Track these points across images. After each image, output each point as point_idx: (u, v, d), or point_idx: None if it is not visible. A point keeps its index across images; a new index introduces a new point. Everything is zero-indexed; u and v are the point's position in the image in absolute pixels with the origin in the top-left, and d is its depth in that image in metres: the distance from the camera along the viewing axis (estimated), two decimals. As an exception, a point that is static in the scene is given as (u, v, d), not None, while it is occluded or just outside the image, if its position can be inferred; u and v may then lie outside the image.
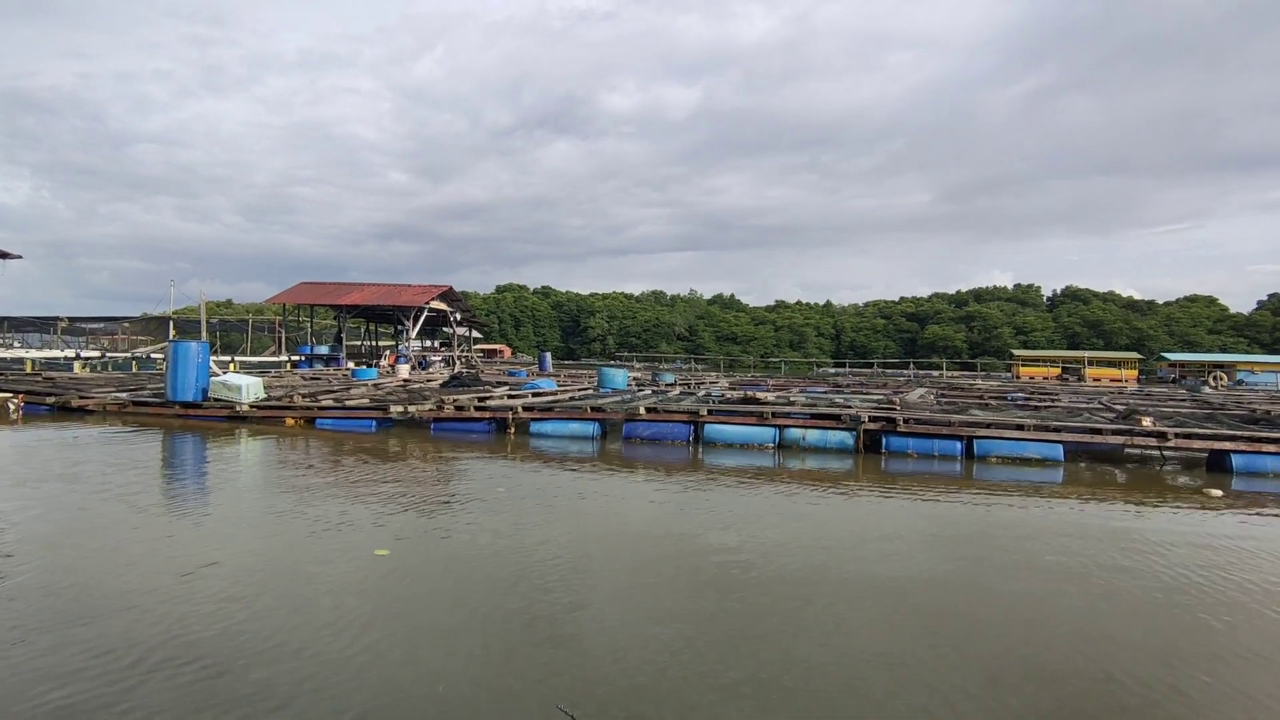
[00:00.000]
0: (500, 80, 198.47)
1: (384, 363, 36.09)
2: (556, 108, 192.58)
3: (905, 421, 14.72)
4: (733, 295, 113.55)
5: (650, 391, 22.36)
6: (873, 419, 14.88)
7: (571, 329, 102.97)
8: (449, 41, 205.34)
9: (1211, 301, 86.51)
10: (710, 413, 15.69)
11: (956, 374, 59.13)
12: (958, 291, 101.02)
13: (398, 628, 5.09)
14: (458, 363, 37.87)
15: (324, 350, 38.73)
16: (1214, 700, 4.32)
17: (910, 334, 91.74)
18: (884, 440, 14.64)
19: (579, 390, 22.17)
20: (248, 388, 17.85)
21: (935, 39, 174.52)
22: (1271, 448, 13.20)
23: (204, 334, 29.37)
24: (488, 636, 4.97)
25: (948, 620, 5.53)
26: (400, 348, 41.12)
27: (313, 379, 26.13)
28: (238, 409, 17.39)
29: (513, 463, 12.98)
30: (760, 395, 18.17)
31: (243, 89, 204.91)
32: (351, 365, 33.58)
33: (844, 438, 14.76)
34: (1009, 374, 58.11)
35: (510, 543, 7.42)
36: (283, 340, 39.06)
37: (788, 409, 16.05)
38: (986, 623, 5.53)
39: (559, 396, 19.37)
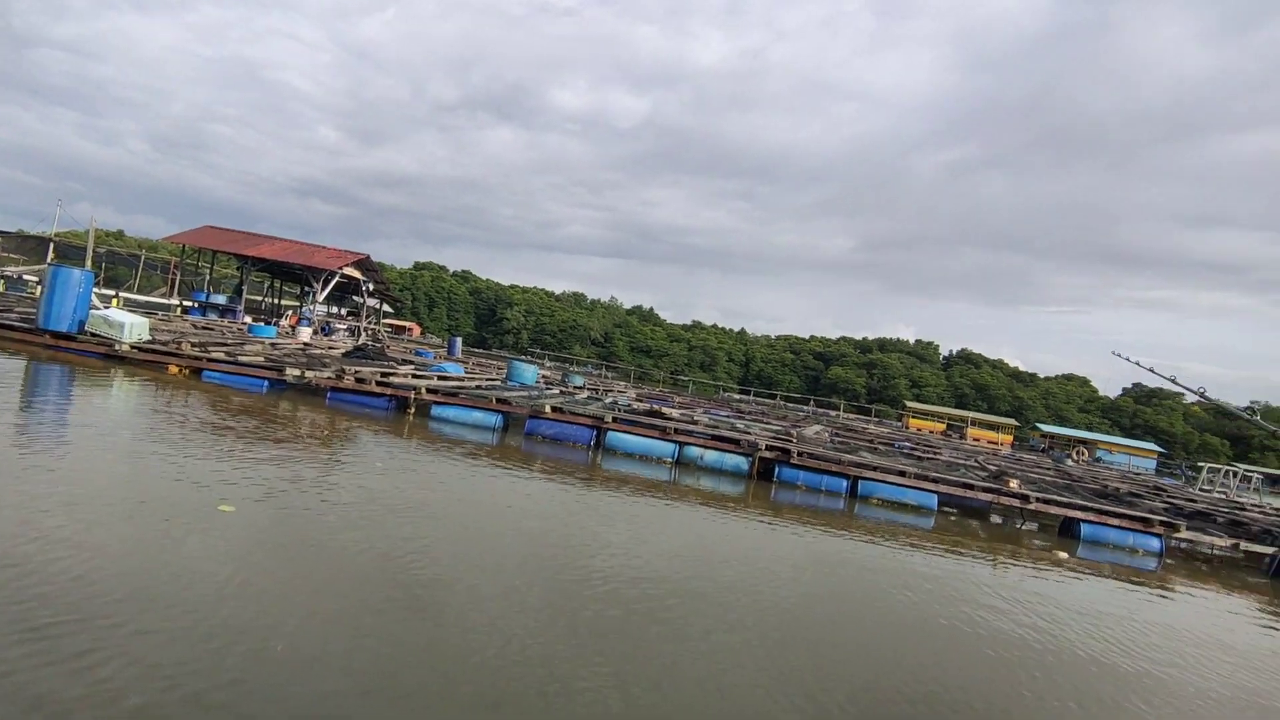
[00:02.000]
0: (450, 55, 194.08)
1: (284, 323, 34.49)
2: (504, 93, 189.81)
3: (799, 454, 15.28)
4: (652, 309, 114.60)
5: (558, 391, 22.31)
6: (769, 448, 15.37)
7: (487, 317, 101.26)
8: (402, 6, 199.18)
9: (1085, 382, 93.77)
10: (615, 420, 15.81)
11: (853, 416, 61.63)
12: (864, 338, 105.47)
13: (220, 585, 4.91)
14: (363, 334, 36.61)
15: (221, 300, 36.63)
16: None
17: (815, 372, 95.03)
18: (777, 469, 15.14)
19: (486, 380, 21.87)
20: (131, 327, 16.69)
21: (877, 96, 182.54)
22: (1115, 521, 14.45)
23: (89, 262, 27.20)
24: (322, 603, 4.88)
25: (794, 650, 5.81)
26: (304, 310, 39.41)
27: (204, 328, 24.68)
28: (116, 348, 16.23)
29: (406, 443, 12.69)
30: (666, 410, 18.45)
31: (172, 11, 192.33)
32: (249, 320, 31.92)
33: (740, 462, 15.18)
34: (900, 423, 61.07)
35: (374, 521, 7.26)
36: (176, 283, 36.72)
37: (690, 427, 16.37)
38: (835, 659, 5.84)
39: (465, 383, 19.05)
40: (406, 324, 73.39)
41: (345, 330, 37.13)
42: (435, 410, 15.87)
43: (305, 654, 4.16)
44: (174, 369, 16.10)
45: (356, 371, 16.60)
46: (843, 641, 6.16)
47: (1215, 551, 15.27)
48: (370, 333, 38.66)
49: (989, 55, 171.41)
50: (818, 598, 7.33)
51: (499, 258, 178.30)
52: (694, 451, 15.37)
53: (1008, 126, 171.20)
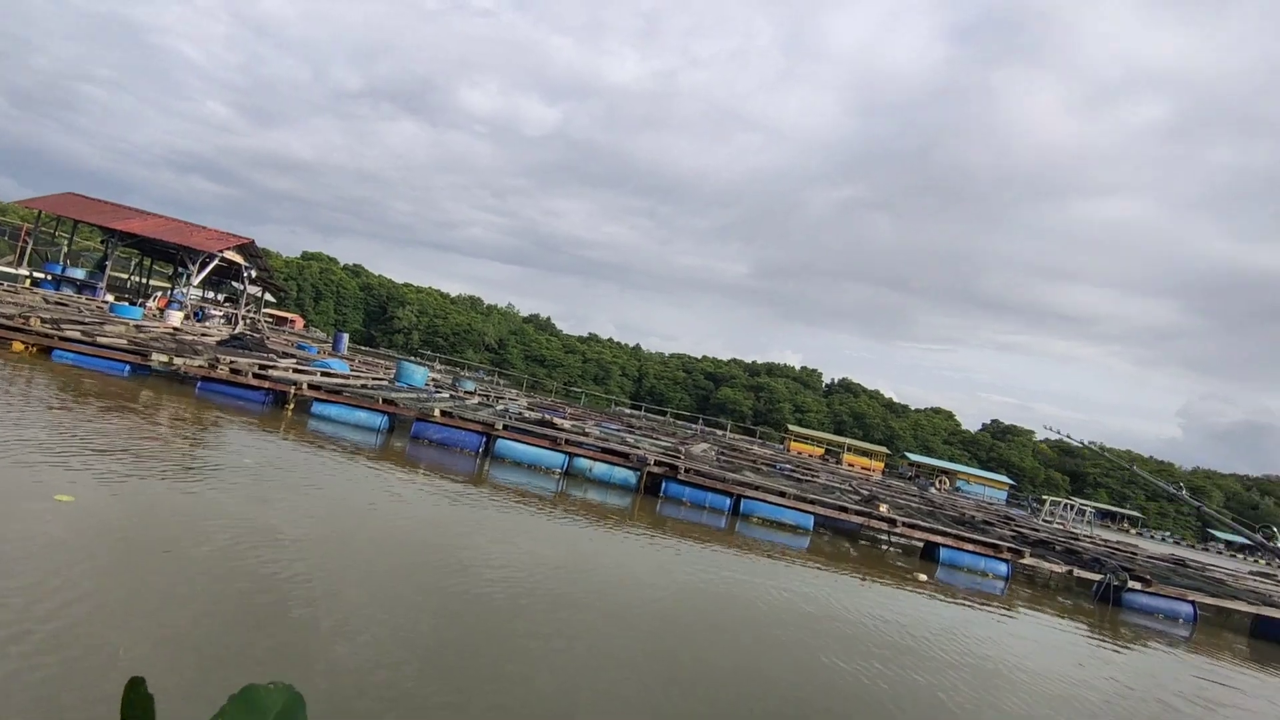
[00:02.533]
0: (358, 41, 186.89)
1: (153, 304, 31.97)
2: (412, 87, 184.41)
3: (686, 471, 15.60)
4: (549, 319, 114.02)
5: (449, 395, 21.79)
6: (658, 463, 15.61)
7: (377, 315, 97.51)
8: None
9: (949, 416, 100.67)
10: (506, 428, 15.61)
11: (738, 436, 63.38)
12: (753, 361, 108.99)
13: (52, 581, 4.56)
14: (242, 323, 34.47)
15: (80, 275, 33.55)
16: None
17: (705, 391, 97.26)
18: (664, 485, 15.39)
19: (373, 379, 21.08)
20: (-32, 296, 15.02)
21: (780, 130, 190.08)
22: (970, 546, 15.58)
23: (-80, 220, 24.30)
24: (170, 605, 4.61)
25: (659, 666, 5.95)
26: (176, 293, 36.71)
27: (58, 303, 22.52)
28: (-52, 318, 14.58)
29: (282, 440, 12.05)
30: (557, 421, 18.39)
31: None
32: (111, 298, 29.39)
33: (628, 476, 15.33)
34: (782, 445, 63.34)
35: (235, 519, 6.89)
36: (27, 251, 33.35)
37: (581, 439, 16.38)
38: (697, 674, 6.02)
39: (350, 381, 18.28)
40: (290, 315, 69.70)
41: (221, 317, 34.82)
42: (316, 408, 15.15)
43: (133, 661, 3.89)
44: (19, 346, 14.62)
45: (232, 361, 15.62)
46: (712, 656, 6.34)
47: (1052, 577, 16.74)
48: (249, 322, 36.46)
49: (884, 104, 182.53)
50: (691, 617, 7.50)
51: (393, 253, 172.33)
52: (584, 463, 15.38)
53: (896, 172, 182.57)
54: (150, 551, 5.52)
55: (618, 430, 24.70)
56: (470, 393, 26.44)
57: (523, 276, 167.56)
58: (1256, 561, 51.00)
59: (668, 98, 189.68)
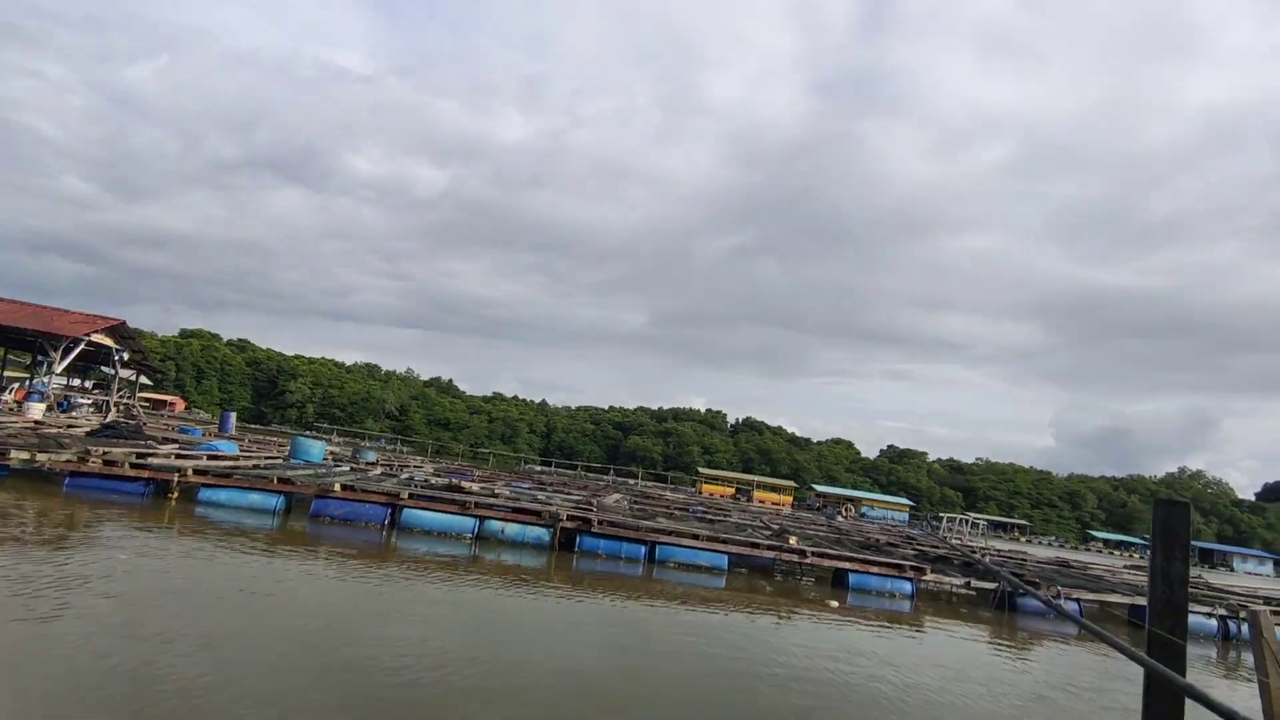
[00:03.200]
0: (232, 112, 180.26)
1: (8, 397, 29.34)
2: (292, 155, 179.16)
3: (600, 523, 15.62)
4: (451, 380, 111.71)
5: (349, 468, 20.99)
6: (571, 518, 15.56)
7: (267, 390, 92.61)
8: (176, 55, 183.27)
9: (849, 445, 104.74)
10: (411, 497, 15.21)
11: (650, 483, 63.59)
12: (659, 408, 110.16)
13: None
14: (114, 410, 32.10)
15: (-83, 370, 30.46)
16: None
17: (614, 441, 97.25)
18: (579, 539, 15.33)
19: (266, 458, 20.08)
20: None
21: (665, 184, 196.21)
22: (876, 569, 16.26)
23: None
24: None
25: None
26: (36, 383, 33.87)
27: (-107, 405, 20.35)
28: None
29: (164, 533, 11.31)
30: (465, 484, 18.06)
31: None
32: (-44, 395, 26.78)
33: (542, 533, 15.19)
34: (694, 488, 63.98)
35: (110, 627, 6.48)
36: None
37: (491, 500, 16.15)
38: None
39: (240, 462, 17.36)
40: (168, 398, 65.45)
41: (91, 406, 32.30)
42: (204, 494, 14.29)
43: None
44: None
45: (105, 452, 14.56)
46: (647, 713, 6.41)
47: (954, 590, 17.64)
48: (123, 409, 34.01)
49: (761, 155, 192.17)
50: (621, 670, 7.54)
51: (282, 325, 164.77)
52: (495, 525, 15.15)
53: (778, 218, 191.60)
54: (15, 662, 5.12)
55: (529, 489, 24.42)
56: (372, 463, 25.53)
57: (421, 340, 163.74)
58: (1130, 556, 55.23)
59: (555, 156, 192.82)
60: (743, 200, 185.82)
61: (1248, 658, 13.35)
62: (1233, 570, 65.83)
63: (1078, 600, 16.46)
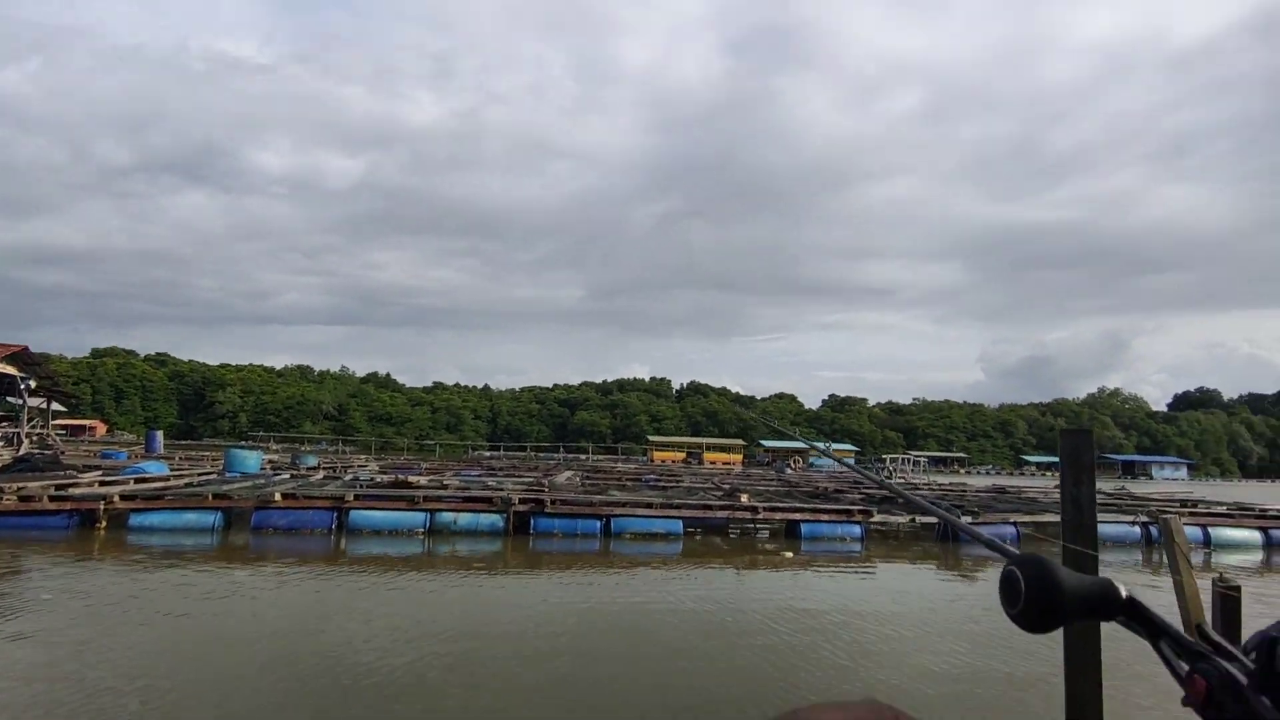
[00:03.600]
0: (120, 113, 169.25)
1: (-96, 441, 27.36)
2: (192, 155, 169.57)
3: (553, 503, 15.59)
4: (388, 374, 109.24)
5: (289, 476, 20.38)
6: (523, 501, 15.48)
7: (195, 404, 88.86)
8: (50, 57, 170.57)
9: (793, 399, 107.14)
10: (357, 498, 14.88)
11: (601, 457, 63.83)
12: (604, 381, 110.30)
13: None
14: (26, 441, 30.31)
15: None
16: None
17: (561, 419, 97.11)
18: (533, 521, 15.29)
19: (200, 475, 19.32)
20: None
21: (588, 155, 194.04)
22: (826, 516, 16.73)
23: None
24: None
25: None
26: (-66, 421, 31.66)
27: None
28: None
29: (92, 564, 10.80)
30: (413, 479, 17.78)
31: None
32: None
33: (495, 520, 15.08)
34: (645, 457, 64.54)
35: (38, 669, 6.20)
36: None
37: (440, 492, 15.94)
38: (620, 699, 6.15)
39: (172, 482, 16.66)
40: (87, 423, 62.33)
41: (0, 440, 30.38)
42: (135, 519, 13.67)
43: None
44: None
45: (20, 488, 13.75)
46: (619, 679, 6.46)
47: (901, 527, 18.32)
48: (36, 439, 32.15)
49: (680, 119, 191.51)
50: (591, 649, 7.59)
51: (203, 335, 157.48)
52: (447, 517, 14.96)
53: (704, 181, 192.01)
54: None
55: (478, 476, 24.19)
56: (314, 468, 24.87)
57: (353, 336, 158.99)
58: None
59: (472, 136, 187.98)
60: (667, 166, 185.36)
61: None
62: (1151, 478, 70.36)
63: (1015, 524, 17.30)
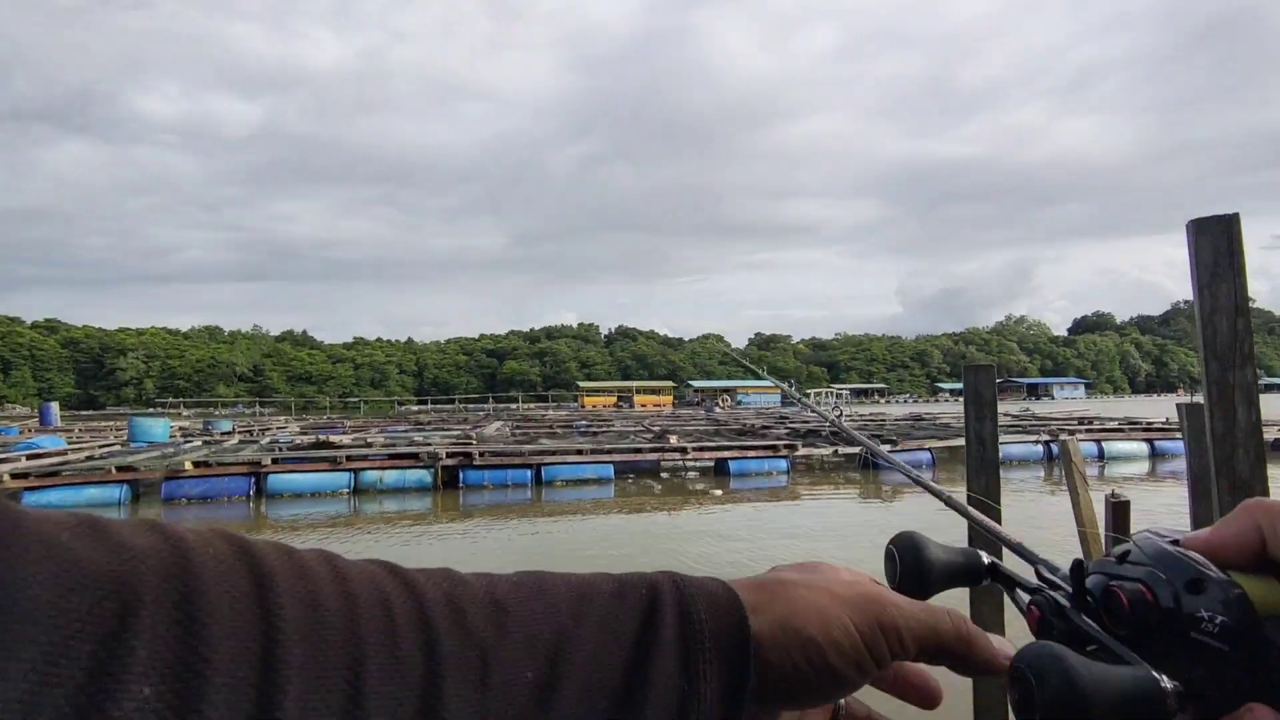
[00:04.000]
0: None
1: None
2: (65, 101, 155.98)
3: (481, 455, 15.42)
4: (305, 331, 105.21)
5: (201, 443, 19.49)
6: (450, 455, 15.26)
7: (93, 372, 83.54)
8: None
9: (720, 339, 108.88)
10: (275, 461, 14.34)
11: (532, 406, 63.69)
12: (531, 329, 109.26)
13: None
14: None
15: None
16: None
17: (490, 369, 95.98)
18: (461, 474, 15.11)
19: (101, 447, 18.25)
20: None
21: (504, 97, 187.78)
22: (753, 453, 17.16)
23: None
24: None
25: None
26: None
27: None
28: None
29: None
30: (335, 439, 17.27)
31: None
32: None
33: (423, 476, 14.84)
34: (576, 404, 64.71)
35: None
36: None
37: (365, 451, 15.53)
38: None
39: (70, 457, 15.67)
40: (-33, 398, 57.98)
41: None
42: (29, 499, 12.79)
43: None
44: None
45: (-107, 473, 12.67)
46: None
47: (825, 459, 18.99)
48: (-90, 418, 29.76)
49: (598, 58, 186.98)
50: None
51: (97, 298, 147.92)
52: (372, 476, 14.62)
53: (625, 122, 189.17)
54: None
55: (405, 431, 23.73)
56: (228, 433, 23.86)
57: (265, 293, 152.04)
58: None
59: (378, 78, 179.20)
60: (587, 106, 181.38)
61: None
62: (1053, 398, 75.14)
63: (930, 449, 18.16)
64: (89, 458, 15.52)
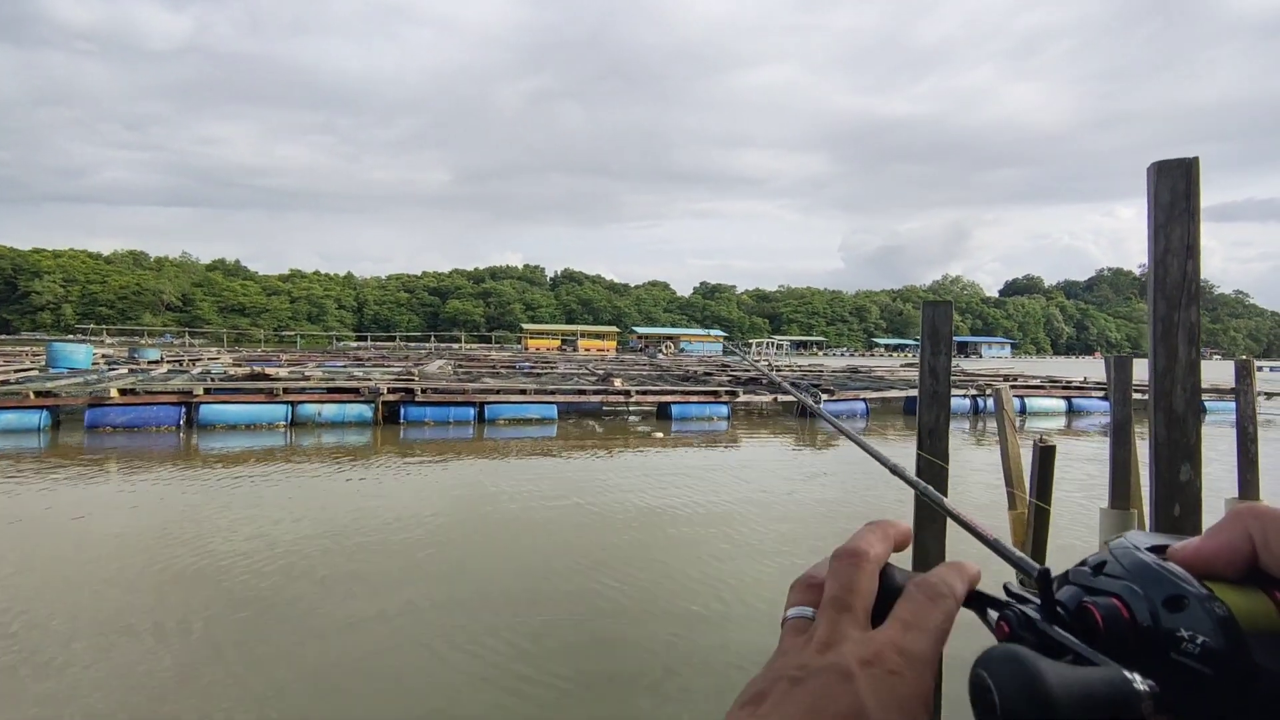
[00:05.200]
0: None
1: None
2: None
3: (424, 391, 15.31)
4: (238, 261, 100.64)
5: (127, 371, 18.75)
6: (392, 390, 15.10)
7: (4, 294, 78.64)
8: None
9: (665, 286, 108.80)
10: (208, 391, 13.96)
11: (475, 346, 63.00)
12: (475, 269, 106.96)
13: None
14: None
15: None
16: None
17: (433, 308, 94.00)
18: (403, 410, 15.00)
19: (16, 371, 17.39)
20: None
21: (451, 24, 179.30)
22: (695, 398, 17.48)
23: None
24: None
25: (457, 573, 6.15)
26: None
27: None
28: None
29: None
30: (270, 371, 16.84)
31: None
32: None
33: (363, 410, 14.68)
34: (520, 345, 64.27)
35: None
36: None
37: (302, 384, 15.23)
38: (500, 581, 6.30)
39: (-17, 381, 14.90)
40: None
41: None
42: (-61, 422, 12.22)
43: None
44: None
45: None
46: (500, 561, 6.61)
47: (763, 406, 19.47)
48: None
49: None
50: (470, 531, 7.67)
51: (6, 216, 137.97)
52: (310, 409, 14.39)
53: (576, 59, 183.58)
54: None
55: (344, 367, 23.27)
56: (155, 362, 23.00)
57: (194, 219, 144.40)
58: (905, 356, 63.57)
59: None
60: (537, 40, 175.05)
61: (992, 426, 16.12)
62: (981, 356, 78.04)
63: (864, 400, 18.80)
64: (4, 383, 14.80)
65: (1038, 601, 0.35)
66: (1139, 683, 0.29)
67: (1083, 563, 0.35)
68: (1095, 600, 0.32)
